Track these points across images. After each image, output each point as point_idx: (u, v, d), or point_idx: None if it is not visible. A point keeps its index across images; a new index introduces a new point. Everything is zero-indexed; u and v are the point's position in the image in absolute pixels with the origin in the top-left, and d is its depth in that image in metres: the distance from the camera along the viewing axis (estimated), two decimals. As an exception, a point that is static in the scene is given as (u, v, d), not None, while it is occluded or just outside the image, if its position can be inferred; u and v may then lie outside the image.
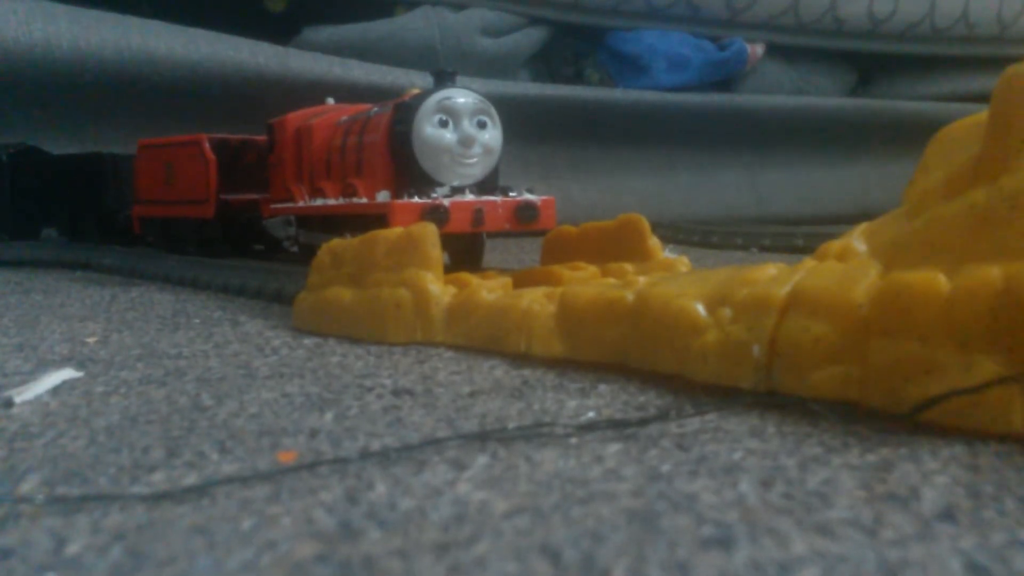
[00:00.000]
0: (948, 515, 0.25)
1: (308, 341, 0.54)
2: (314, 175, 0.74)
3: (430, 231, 0.53)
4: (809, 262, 0.40)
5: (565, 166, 1.71)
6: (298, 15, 1.49)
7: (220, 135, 0.92)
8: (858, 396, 0.34)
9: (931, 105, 1.95)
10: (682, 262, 0.59)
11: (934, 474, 0.28)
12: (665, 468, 0.29)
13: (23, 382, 0.43)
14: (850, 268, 0.37)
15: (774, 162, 1.92)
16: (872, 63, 2.02)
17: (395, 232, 0.55)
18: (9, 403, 0.39)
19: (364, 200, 0.65)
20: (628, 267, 0.58)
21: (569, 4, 1.67)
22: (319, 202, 0.70)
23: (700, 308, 0.40)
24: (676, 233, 1.41)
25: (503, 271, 0.63)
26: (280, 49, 1.40)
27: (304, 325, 0.58)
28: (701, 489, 0.27)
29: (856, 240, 0.39)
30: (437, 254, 0.53)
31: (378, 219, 0.60)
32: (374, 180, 0.66)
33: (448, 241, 0.60)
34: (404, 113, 0.64)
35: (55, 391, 0.42)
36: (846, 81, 2.02)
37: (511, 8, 1.62)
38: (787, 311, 0.37)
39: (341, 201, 0.68)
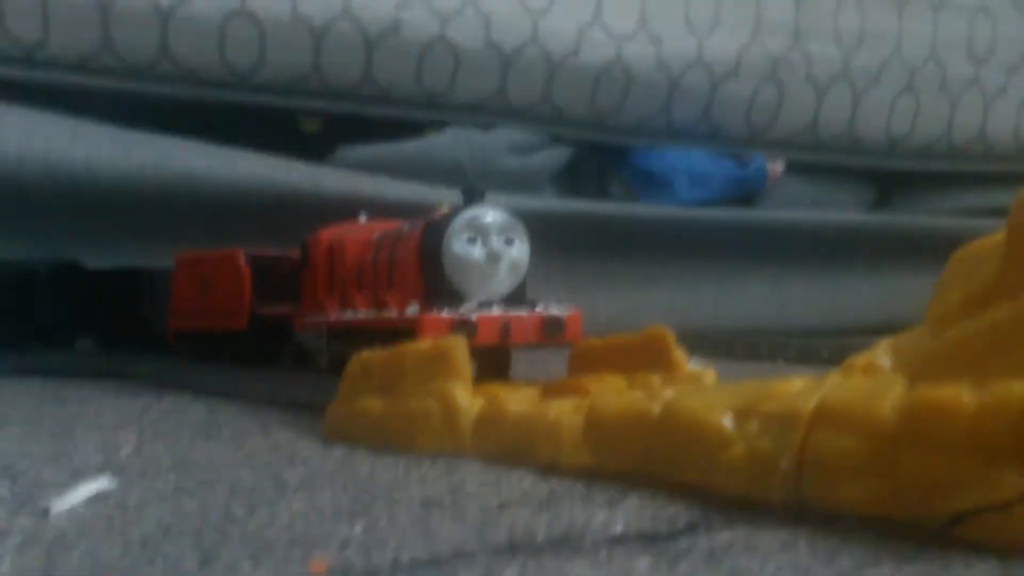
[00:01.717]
0: (983, 632, 0.25)
1: (338, 451, 0.55)
2: (346, 289, 0.76)
3: (459, 344, 0.54)
4: (834, 376, 0.40)
5: (590, 279, 1.73)
6: (331, 135, 1.54)
7: (255, 250, 0.95)
8: (889, 510, 0.34)
9: (950, 220, 1.97)
10: (708, 374, 0.59)
11: (968, 590, 0.28)
12: (696, 582, 0.29)
13: (58, 492, 0.44)
14: (876, 382, 0.37)
15: (797, 274, 1.93)
16: (891, 179, 2.05)
17: (424, 345, 0.56)
18: (45, 513, 0.40)
19: (394, 313, 0.66)
20: (655, 379, 0.59)
21: (593, 124, 1.72)
22: (350, 315, 0.72)
23: (727, 421, 0.40)
24: (701, 344, 1.41)
25: (531, 382, 0.64)
26: (314, 168, 1.44)
27: (334, 435, 0.59)
28: (732, 603, 0.27)
29: (881, 355, 0.39)
30: (466, 367, 0.54)
31: (408, 332, 0.61)
32: (404, 294, 0.67)
33: (476, 353, 0.61)
34: (434, 230, 0.66)
35: (90, 501, 0.43)
36: (865, 197, 2.05)
37: (537, 128, 1.67)
38: (814, 424, 0.37)
39: (372, 314, 0.69)
